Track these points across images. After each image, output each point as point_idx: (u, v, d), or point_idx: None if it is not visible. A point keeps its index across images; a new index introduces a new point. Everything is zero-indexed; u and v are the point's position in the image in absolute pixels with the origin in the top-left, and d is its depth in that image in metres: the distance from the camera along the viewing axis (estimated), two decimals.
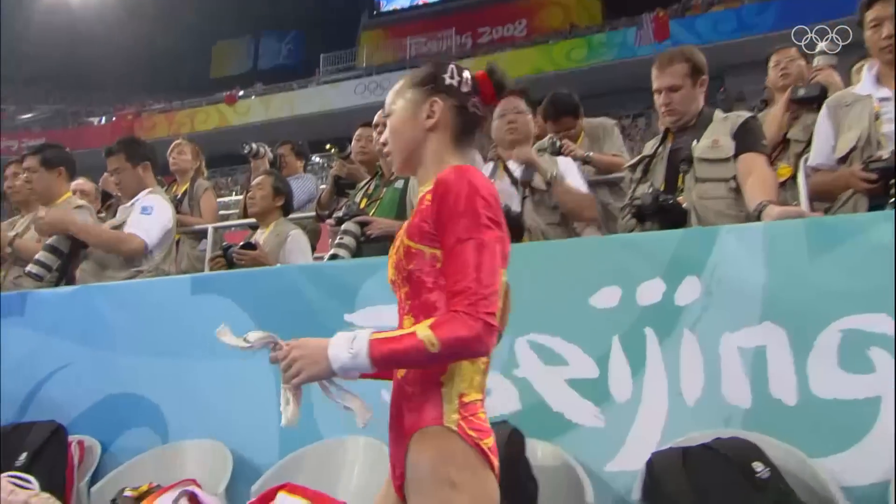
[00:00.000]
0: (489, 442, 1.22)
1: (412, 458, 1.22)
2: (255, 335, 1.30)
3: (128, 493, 2.22)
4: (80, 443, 2.50)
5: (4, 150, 19.19)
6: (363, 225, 2.80)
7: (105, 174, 4.06)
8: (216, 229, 3.96)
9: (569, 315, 2.09)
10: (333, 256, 2.72)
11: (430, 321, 1.17)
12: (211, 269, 3.24)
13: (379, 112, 2.72)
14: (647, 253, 2.06)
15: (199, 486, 2.20)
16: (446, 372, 1.24)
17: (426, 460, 1.20)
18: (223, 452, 2.34)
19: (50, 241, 2.91)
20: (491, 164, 2.87)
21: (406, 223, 1.29)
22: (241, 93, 22.05)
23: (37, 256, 2.87)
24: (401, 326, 1.28)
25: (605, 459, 1.97)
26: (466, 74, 1.40)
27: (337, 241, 2.78)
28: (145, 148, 3.25)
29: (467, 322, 1.15)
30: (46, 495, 2.20)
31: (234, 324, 2.50)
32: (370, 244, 2.78)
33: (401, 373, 1.30)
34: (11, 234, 3.18)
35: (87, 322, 2.75)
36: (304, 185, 4.06)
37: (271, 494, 1.93)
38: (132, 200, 3.12)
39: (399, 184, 2.95)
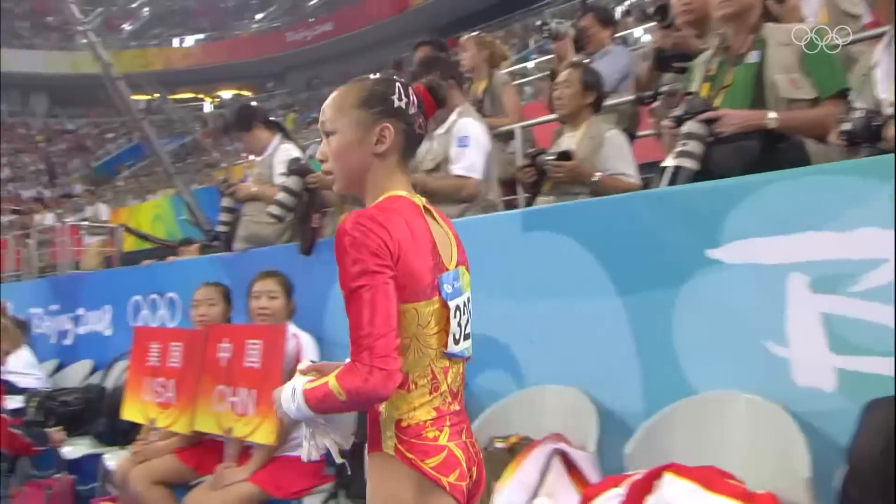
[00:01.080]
0: (433, 461, 1.35)
1: (367, 480, 1.42)
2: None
3: (499, 444, 2.38)
4: None
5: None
6: (710, 122, 2.40)
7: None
8: (524, 128, 3.87)
9: None
10: (675, 173, 2.39)
11: (338, 370, 1.32)
12: (522, 181, 3.18)
13: None
14: None
15: (567, 442, 2.26)
16: (386, 402, 1.39)
17: (370, 483, 1.41)
18: (585, 403, 2.35)
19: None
20: None
21: None
22: None
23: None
24: None
25: None
26: (412, 94, 1.45)
27: (678, 149, 2.44)
28: (448, 64, 3.19)
29: (360, 372, 1.28)
30: None
31: (576, 265, 2.47)
32: (721, 145, 2.39)
33: None
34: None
35: None
36: (615, 62, 3.68)
37: (655, 474, 1.88)
38: (445, 125, 3.14)
39: (753, 57, 2.44)
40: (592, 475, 2.15)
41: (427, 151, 3.27)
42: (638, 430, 2.15)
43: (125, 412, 3.39)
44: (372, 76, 1.47)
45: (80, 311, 5.15)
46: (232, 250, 3.79)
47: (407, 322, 1.36)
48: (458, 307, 1.42)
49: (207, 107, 33.10)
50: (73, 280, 5.69)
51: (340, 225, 1.35)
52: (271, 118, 3.82)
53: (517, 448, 2.34)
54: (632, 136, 3.43)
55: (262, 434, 2.65)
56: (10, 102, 34.69)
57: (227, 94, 34.14)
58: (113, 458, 3.59)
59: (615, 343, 2.34)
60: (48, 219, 12.05)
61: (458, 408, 1.46)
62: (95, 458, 3.89)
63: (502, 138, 3.94)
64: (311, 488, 2.73)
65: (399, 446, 1.36)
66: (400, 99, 1.43)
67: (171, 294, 4.34)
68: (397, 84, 1.44)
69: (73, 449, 3.94)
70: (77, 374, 4.86)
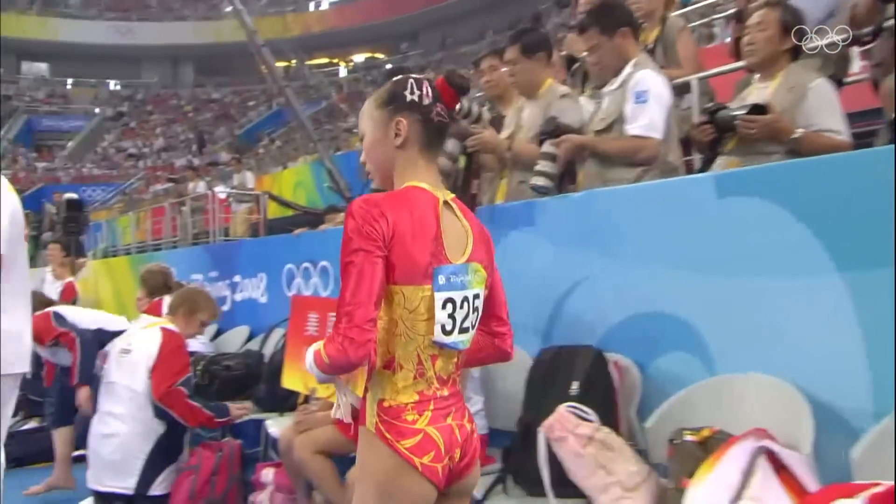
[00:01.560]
0: (409, 443, 1.53)
1: None
2: None
3: (689, 436, 2.18)
4: (617, 363, 2.56)
5: None
6: None
7: (567, 34, 3.94)
8: (701, 80, 3.54)
9: None
10: None
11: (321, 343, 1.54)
12: (698, 140, 2.88)
13: None
14: None
15: (773, 439, 2.03)
16: (372, 381, 1.60)
17: (358, 455, 1.63)
18: (795, 397, 2.10)
19: (545, 148, 2.92)
20: None
21: None
22: None
23: (537, 167, 2.93)
24: None
25: None
26: (426, 86, 1.63)
27: None
28: (621, 11, 2.95)
29: (335, 341, 1.48)
30: (607, 430, 2.32)
31: (784, 236, 2.19)
32: None
33: None
34: (506, 134, 3.32)
35: (598, 231, 2.74)
36: None
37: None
38: (618, 80, 2.91)
39: None
40: (809, 481, 1.91)
41: (596, 111, 3.05)
42: (868, 433, 1.89)
43: (285, 380, 3.50)
44: (393, 79, 1.67)
45: (237, 279, 5.44)
46: None
47: (394, 303, 1.55)
48: (450, 300, 1.57)
49: (343, 71, 34.16)
50: (230, 248, 6.02)
51: (349, 205, 1.56)
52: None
53: (711, 443, 2.13)
54: (838, 83, 3.02)
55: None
56: (163, 75, 37.57)
57: (360, 58, 35.03)
58: (274, 425, 3.75)
59: (835, 329, 2.06)
60: (200, 187, 12.83)
61: (446, 393, 1.62)
62: (257, 424, 4.09)
63: (675, 92, 3.63)
64: None
65: (380, 425, 1.56)
66: (412, 93, 1.62)
67: (323, 262, 4.44)
68: (409, 80, 1.63)
69: None
70: (235, 339, 5.14)
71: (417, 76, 1.66)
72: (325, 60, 34.01)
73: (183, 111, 35.35)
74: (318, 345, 1.53)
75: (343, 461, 3.12)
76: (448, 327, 1.57)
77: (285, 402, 4.04)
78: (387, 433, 1.54)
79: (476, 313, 1.65)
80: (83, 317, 4.34)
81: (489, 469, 2.62)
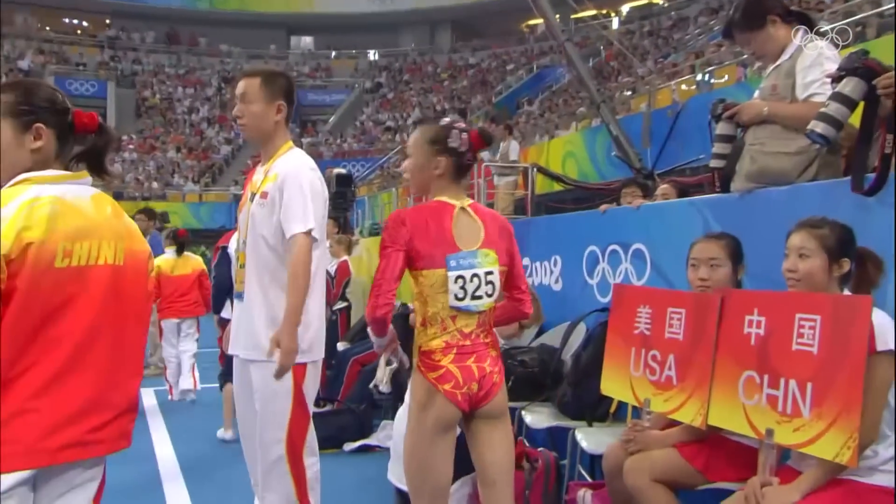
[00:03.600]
0: (434, 375, 2.55)
1: None
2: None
3: None
4: None
5: None
6: None
7: None
8: None
9: None
10: None
11: None
12: None
13: None
14: None
15: None
16: (415, 334, 2.65)
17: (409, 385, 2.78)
18: None
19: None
20: None
21: None
22: None
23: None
24: None
25: None
26: (464, 136, 2.62)
27: None
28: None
29: (369, 304, 2.53)
30: None
31: None
32: None
33: None
34: None
35: None
36: None
37: None
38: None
39: None
40: None
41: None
42: None
43: (605, 386, 3.29)
44: (441, 123, 2.67)
45: (525, 261, 5.34)
46: (729, 191, 3.38)
47: (420, 282, 2.59)
48: (460, 276, 2.54)
49: (615, 23, 33.31)
50: (517, 226, 5.96)
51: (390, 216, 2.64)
52: (793, 8, 3.25)
53: None
54: None
55: (825, 446, 2.21)
56: (419, 41, 39.78)
57: (629, 7, 33.90)
58: (587, 438, 3.56)
59: None
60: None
61: (468, 343, 2.57)
62: (560, 432, 3.94)
63: None
64: None
65: (419, 364, 2.60)
66: (454, 141, 2.61)
67: (637, 245, 4.15)
68: (454, 130, 2.61)
69: (534, 417, 4.05)
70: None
71: (460, 126, 2.63)
72: (593, 12, 33.46)
73: (439, 79, 37.10)
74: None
75: (686, 495, 2.83)
76: (459, 296, 2.54)
77: (594, 409, 3.85)
78: (422, 367, 2.59)
79: (491, 285, 2.59)
80: None
81: None
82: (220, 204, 26.54)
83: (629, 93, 18.46)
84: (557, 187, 12.38)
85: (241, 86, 3.00)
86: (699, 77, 14.42)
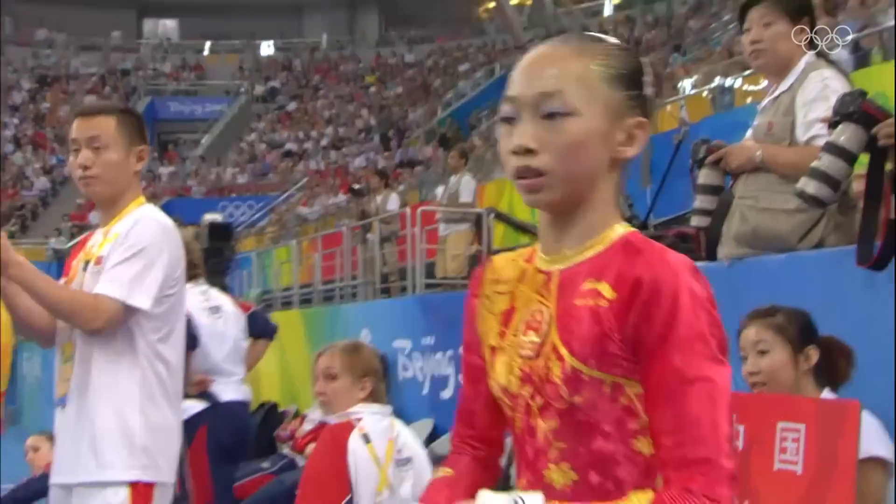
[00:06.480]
0: None
1: None
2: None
3: None
4: None
5: None
6: None
7: None
8: None
9: None
10: None
11: (647, 498, 1.40)
12: None
13: None
14: None
15: None
16: None
17: None
18: None
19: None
20: None
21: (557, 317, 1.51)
22: None
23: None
24: (535, 473, 1.54)
25: None
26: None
27: None
28: None
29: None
30: None
31: None
32: None
33: None
34: None
35: None
36: None
37: None
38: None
39: None
40: None
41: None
42: None
43: None
44: (612, 40, 1.56)
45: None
46: (716, 258, 3.76)
47: None
48: None
49: (608, 8, 34.39)
50: (452, 300, 6.21)
51: (657, 270, 1.54)
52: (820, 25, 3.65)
53: None
54: None
55: None
56: (333, 28, 39.94)
57: None
58: None
59: None
60: (391, 201, 13.17)
61: None
62: None
63: None
64: None
65: None
66: (651, 86, 1.55)
67: None
68: (642, 62, 1.55)
69: None
70: None
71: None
72: None
73: (363, 83, 37.37)
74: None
75: None
76: None
77: None
78: None
79: None
80: None
81: None
82: (34, 263, 26.05)
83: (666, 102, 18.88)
84: (524, 240, 12.65)
85: (85, 126, 3.09)
86: (722, 82, 14.19)
